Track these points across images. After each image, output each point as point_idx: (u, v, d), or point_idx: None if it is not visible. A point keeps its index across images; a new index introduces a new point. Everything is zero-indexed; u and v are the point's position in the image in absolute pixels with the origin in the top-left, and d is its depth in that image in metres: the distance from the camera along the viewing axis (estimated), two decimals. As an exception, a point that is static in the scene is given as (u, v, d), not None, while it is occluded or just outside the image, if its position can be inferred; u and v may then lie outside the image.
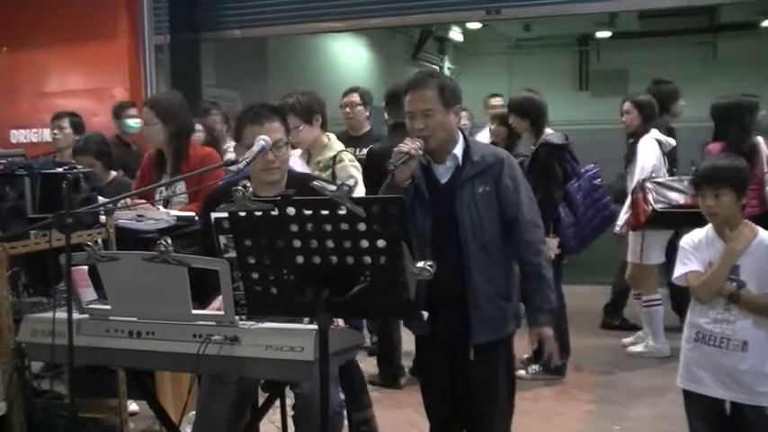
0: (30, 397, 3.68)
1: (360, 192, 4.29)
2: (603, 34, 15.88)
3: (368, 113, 6.16)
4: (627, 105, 6.28)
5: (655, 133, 6.18)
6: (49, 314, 2.97)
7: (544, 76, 13.30)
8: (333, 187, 2.49)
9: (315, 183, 2.55)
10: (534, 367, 5.80)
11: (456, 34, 15.94)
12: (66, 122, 6.08)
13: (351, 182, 2.53)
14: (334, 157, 4.49)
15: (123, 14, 8.16)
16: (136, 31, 8.22)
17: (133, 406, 4.61)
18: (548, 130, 5.67)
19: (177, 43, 8.46)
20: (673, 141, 6.32)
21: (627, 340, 6.60)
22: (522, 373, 5.73)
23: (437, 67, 16.07)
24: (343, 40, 13.20)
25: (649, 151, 6.08)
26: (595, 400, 5.42)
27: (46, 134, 7.78)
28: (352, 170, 4.46)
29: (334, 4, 8.42)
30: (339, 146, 4.57)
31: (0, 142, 8.12)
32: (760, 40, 14.84)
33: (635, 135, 6.19)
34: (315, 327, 2.67)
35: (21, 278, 3.63)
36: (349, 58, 13.62)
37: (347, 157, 4.51)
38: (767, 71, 14.31)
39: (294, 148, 4.65)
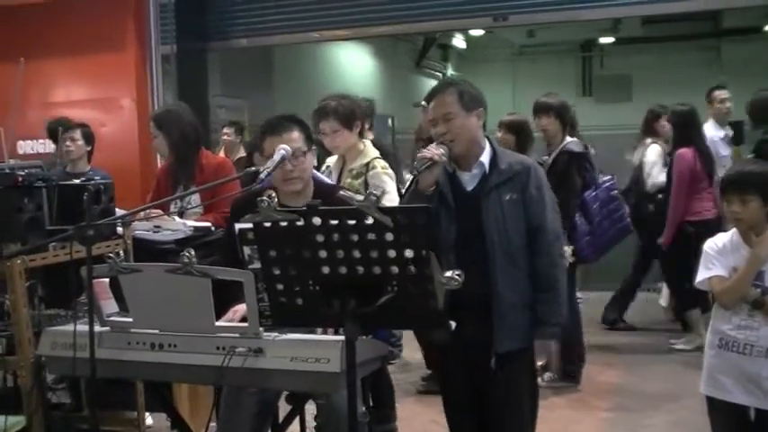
0: (48, 410, 3.67)
1: (393, 200, 4.23)
2: (607, 40, 15.88)
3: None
4: None
5: None
6: (70, 327, 2.95)
7: (547, 83, 13.23)
8: (360, 197, 2.47)
9: (342, 192, 2.53)
10: (549, 374, 5.76)
11: (459, 41, 15.96)
12: (78, 134, 6.06)
13: (378, 191, 2.50)
14: (368, 164, 4.39)
15: (130, 24, 8.12)
16: (143, 40, 8.17)
17: (148, 419, 4.58)
18: (567, 138, 5.67)
19: (184, 53, 8.43)
20: None
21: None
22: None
23: (440, 74, 16.10)
24: (348, 49, 13.21)
25: None
26: (611, 407, 5.38)
27: (52, 145, 7.77)
28: (384, 178, 4.35)
29: (339, 13, 8.40)
30: (374, 153, 4.47)
31: (9, 153, 8.09)
32: (764, 44, 14.83)
33: None
34: (340, 338, 2.65)
35: (37, 291, 3.60)
36: (354, 66, 13.63)
37: (380, 164, 4.41)
38: (771, 75, 14.37)
39: (329, 153, 4.64)
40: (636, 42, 15.44)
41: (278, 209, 2.55)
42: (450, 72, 16.95)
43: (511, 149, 5.90)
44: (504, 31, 14.24)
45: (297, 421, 3.45)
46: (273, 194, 2.56)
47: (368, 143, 4.54)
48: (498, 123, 6.08)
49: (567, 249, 5.44)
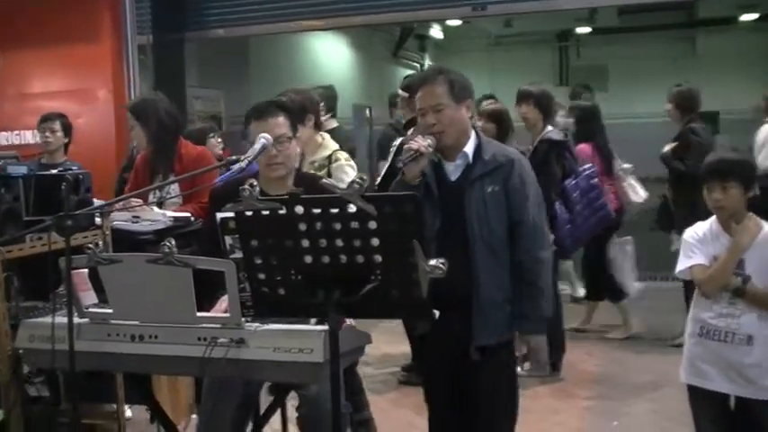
0: (27, 404, 3.62)
1: None
2: (583, 30, 15.93)
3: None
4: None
5: None
6: (48, 319, 2.91)
7: (524, 72, 13.24)
8: (343, 185, 2.44)
9: (324, 180, 2.50)
10: (528, 363, 5.77)
11: (436, 32, 15.95)
12: (57, 125, 6.00)
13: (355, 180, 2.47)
14: (330, 156, 4.40)
15: (106, 15, 8.02)
16: (119, 31, 8.07)
17: (127, 412, 4.53)
18: (548, 127, 5.68)
19: (160, 43, 8.36)
20: None
21: None
22: (517, 369, 5.69)
23: (418, 65, 16.08)
24: (325, 39, 13.15)
25: None
26: (593, 396, 5.40)
27: (28, 136, 7.68)
28: (347, 169, 4.38)
29: (315, 3, 8.36)
30: (334, 145, 4.49)
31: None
32: (739, 34, 14.96)
33: None
34: (323, 327, 2.63)
35: (13, 282, 3.55)
36: (330, 56, 13.57)
37: (343, 156, 4.42)
38: (746, 66, 14.44)
39: None
40: (612, 32, 15.50)
41: (260, 197, 2.52)
42: (427, 62, 16.93)
43: (492, 138, 5.95)
44: (481, 21, 14.24)
45: (277, 414, 3.45)
46: (255, 183, 2.52)
47: (326, 136, 4.55)
48: (479, 112, 6.07)
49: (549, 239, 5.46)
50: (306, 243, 2.52)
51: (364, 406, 4.60)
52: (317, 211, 2.49)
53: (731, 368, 3.36)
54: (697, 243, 3.47)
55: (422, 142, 3.18)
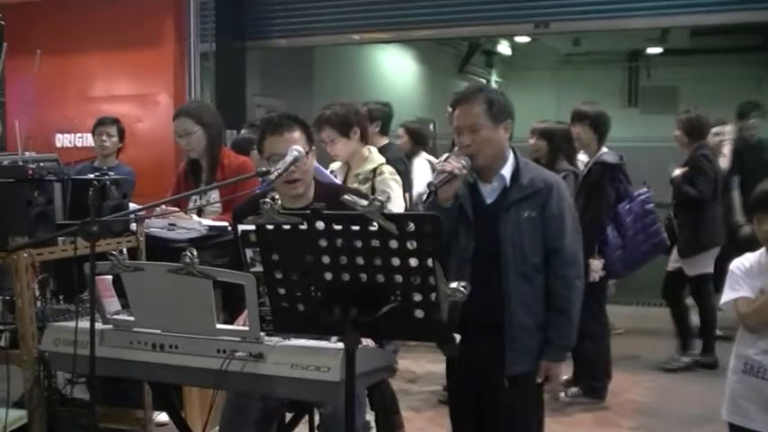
0: (55, 405, 3.64)
1: (399, 206, 4.16)
2: (654, 50, 15.64)
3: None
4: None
5: None
6: (73, 323, 2.91)
7: (592, 92, 13.09)
8: (365, 202, 2.38)
9: (346, 197, 2.44)
10: (574, 390, 5.64)
11: (504, 48, 15.83)
12: (114, 129, 6.09)
13: (383, 196, 2.41)
14: (375, 169, 4.34)
15: (170, 21, 8.14)
16: (182, 37, 8.19)
17: (163, 416, 4.54)
18: (603, 149, 5.57)
19: (223, 51, 8.43)
20: None
21: None
22: (561, 395, 5.59)
23: (484, 80, 15.97)
24: (390, 52, 13.14)
25: None
26: (635, 427, 5.23)
27: (90, 139, 7.81)
28: (392, 183, 4.30)
29: (380, 15, 8.34)
30: (380, 158, 4.42)
31: (45, 146, 8.15)
32: (817, 59, 14.54)
33: None
34: (342, 346, 2.57)
35: (49, 285, 3.57)
36: (395, 70, 13.55)
37: (388, 170, 4.35)
38: (821, 90, 14.03)
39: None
40: (684, 54, 15.18)
41: (281, 211, 2.48)
42: (494, 78, 16.83)
43: (542, 156, 5.85)
44: (549, 39, 14.07)
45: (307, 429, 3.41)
46: (277, 196, 2.48)
47: (373, 149, 4.48)
48: (531, 129, 6.00)
49: (598, 263, 5.34)
50: (326, 259, 2.48)
51: (398, 426, 4.53)
52: (338, 227, 2.44)
53: (774, 408, 3.22)
54: (743, 275, 3.32)
55: (455, 164, 3.10)
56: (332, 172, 4.50)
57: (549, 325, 3.23)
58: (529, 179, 3.23)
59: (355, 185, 4.28)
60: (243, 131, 6.32)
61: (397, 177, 4.39)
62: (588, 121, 5.59)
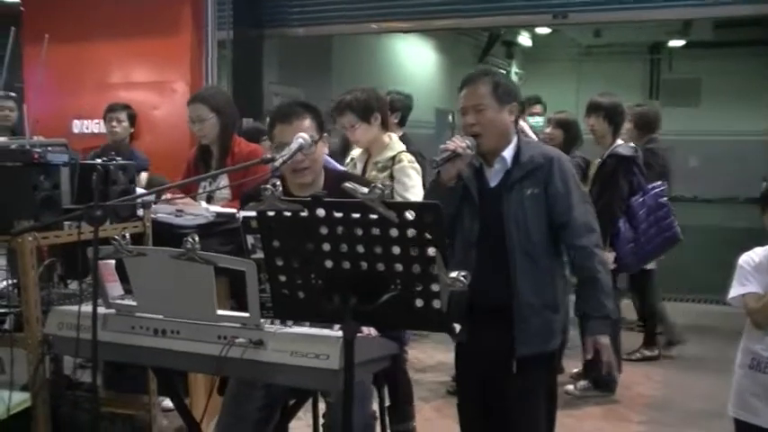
0: (61, 389, 3.66)
1: (417, 195, 4.13)
2: (676, 43, 15.54)
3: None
4: None
5: None
6: (76, 307, 2.91)
7: (613, 84, 13.04)
8: (365, 189, 2.37)
9: (347, 184, 2.42)
10: (584, 383, 5.61)
11: (525, 39, 15.79)
12: (124, 115, 6.12)
13: (386, 185, 2.41)
14: (394, 157, 4.31)
15: (187, 8, 8.13)
16: (199, 25, 8.17)
17: (169, 402, 4.55)
18: (618, 141, 5.53)
19: (240, 39, 8.43)
20: None
21: None
22: (570, 388, 5.56)
23: (504, 71, 15.92)
24: (410, 42, 13.13)
25: None
26: (645, 421, 5.20)
27: (105, 125, 7.84)
28: (410, 172, 4.27)
29: (399, 4, 8.34)
30: (400, 146, 4.39)
31: (62, 132, 8.19)
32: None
33: None
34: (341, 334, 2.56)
35: (57, 269, 3.59)
36: (414, 59, 13.54)
37: (407, 157, 4.32)
38: None
39: (350, 147, 4.55)
40: (707, 47, 15.07)
41: (282, 198, 2.47)
42: (514, 69, 16.77)
43: (558, 145, 5.82)
44: (570, 31, 14.01)
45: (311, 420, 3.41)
46: (278, 183, 2.47)
47: (394, 136, 4.44)
48: (547, 119, 6.01)
49: (610, 255, 5.29)
50: (327, 247, 2.47)
51: (410, 417, 4.53)
52: (339, 215, 2.43)
53: (781, 404, 3.18)
54: (753, 270, 3.30)
55: (459, 143, 3.10)
56: (352, 159, 4.49)
57: (580, 301, 3.22)
58: (529, 156, 3.22)
59: (374, 173, 4.26)
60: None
61: (416, 165, 4.36)
62: (603, 113, 5.55)
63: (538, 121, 7.04)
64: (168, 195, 4.02)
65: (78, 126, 8.41)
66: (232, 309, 3.09)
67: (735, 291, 3.31)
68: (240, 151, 4.44)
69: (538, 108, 7.27)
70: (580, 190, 3.29)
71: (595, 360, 3.26)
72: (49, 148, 3.39)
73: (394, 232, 2.38)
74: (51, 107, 7.50)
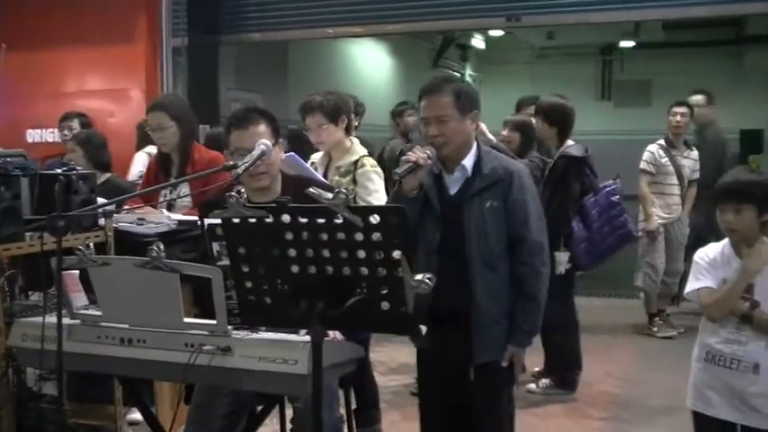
0: (25, 401, 3.63)
1: (381, 199, 4.15)
2: (627, 44, 15.73)
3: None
4: None
5: None
6: (40, 318, 2.90)
7: (567, 85, 13.13)
8: (329, 195, 2.40)
9: (311, 190, 2.45)
10: (545, 381, 5.67)
11: (478, 42, 15.87)
12: (75, 123, 6.08)
13: (349, 189, 2.44)
14: (356, 161, 4.31)
15: (142, 16, 8.12)
16: (154, 32, 8.16)
17: (137, 415, 4.52)
18: (569, 142, 5.57)
19: (195, 46, 8.40)
20: None
21: None
22: (532, 386, 5.63)
23: (458, 74, 16.01)
24: (365, 46, 13.15)
25: None
26: (606, 417, 5.28)
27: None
28: (373, 176, 4.28)
29: (354, 9, 8.37)
30: (362, 150, 4.40)
31: (17, 142, 8.11)
32: (788, 52, 14.63)
33: None
34: (309, 339, 2.58)
35: (18, 281, 3.56)
36: (370, 63, 13.56)
37: (369, 162, 4.33)
38: (795, 83, 14.14)
39: (314, 150, 4.56)
40: (657, 47, 15.28)
41: (247, 205, 2.49)
42: (468, 72, 16.86)
43: (516, 149, 5.89)
44: (524, 33, 14.12)
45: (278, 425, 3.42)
46: (243, 190, 2.49)
47: (355, 141, 4.46)
48: (503, 121, 6.03)
49: (564, 255, 5.37)
50: (293, 252, 2.49)
51: (376, 420, 4.55)
52: (304, 220, 2.45)
53: (736, 396, 3.25)
54: (707, 266, 3.36)
55: (420, 154, 3.13)
56: (312, 164, 4.49)
57: (516, 311, 3.27)
58: (490, 168, 3.26)
59: (336, 178, 4.27)
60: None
61: (379, 170, 4.37)
62: (542, 115, 5.62)
63: None
64: (129, 205, 4.01)
65: (32, 135, 8.34)
66: (196, 316, 3.10)
67: (690, 286, 3.38)
68: (201, 158, 4.44)
69: None
70: (537, 206, 3.35)
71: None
72: (8, 159, 3.35)
73: (359, 236, 2.41)
74: (5, 117, 7.43)
